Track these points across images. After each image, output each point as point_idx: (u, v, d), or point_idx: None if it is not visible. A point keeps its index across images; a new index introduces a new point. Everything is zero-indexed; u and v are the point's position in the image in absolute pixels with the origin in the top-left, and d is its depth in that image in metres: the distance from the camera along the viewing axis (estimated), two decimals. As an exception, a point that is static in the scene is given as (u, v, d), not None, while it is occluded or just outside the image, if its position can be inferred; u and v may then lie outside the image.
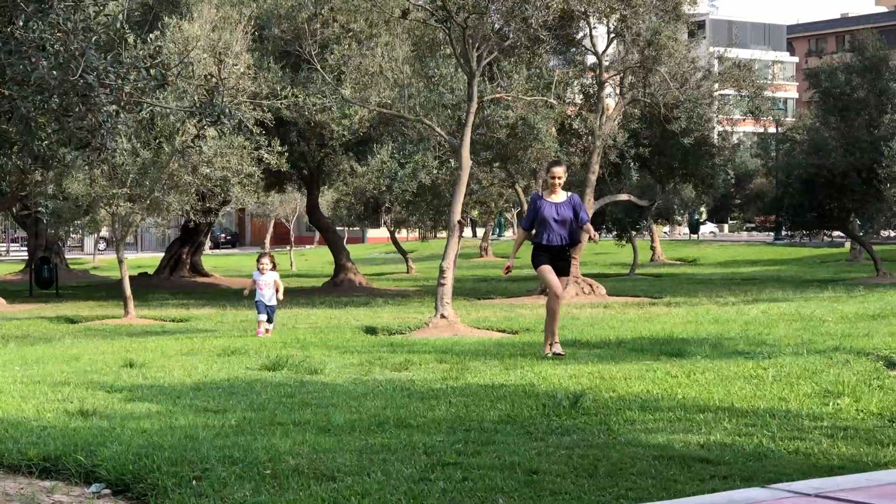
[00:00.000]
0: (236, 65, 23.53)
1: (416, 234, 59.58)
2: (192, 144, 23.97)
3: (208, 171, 25.06)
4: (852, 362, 12.35)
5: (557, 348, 14.02)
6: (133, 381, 12.50)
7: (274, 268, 19.37)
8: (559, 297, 14.01)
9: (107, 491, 7.28)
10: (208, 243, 66.21)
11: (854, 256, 47.69)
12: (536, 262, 14.05)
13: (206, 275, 45.01)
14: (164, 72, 7.61)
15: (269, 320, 18.83)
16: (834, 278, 36.21)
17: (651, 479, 7.03)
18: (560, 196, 14.01)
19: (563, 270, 14.10)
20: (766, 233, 73.56)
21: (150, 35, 8.58)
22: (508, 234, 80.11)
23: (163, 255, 48.07)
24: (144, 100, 8.25)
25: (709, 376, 11.46)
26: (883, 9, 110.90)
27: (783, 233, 59.49)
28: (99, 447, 7.93)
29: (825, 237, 43.03)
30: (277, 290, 19.07)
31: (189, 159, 24.76)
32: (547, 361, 13.51)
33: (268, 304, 18.85)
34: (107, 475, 7.37)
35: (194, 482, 7.02)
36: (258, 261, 19.46)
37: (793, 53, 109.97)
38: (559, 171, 14.02)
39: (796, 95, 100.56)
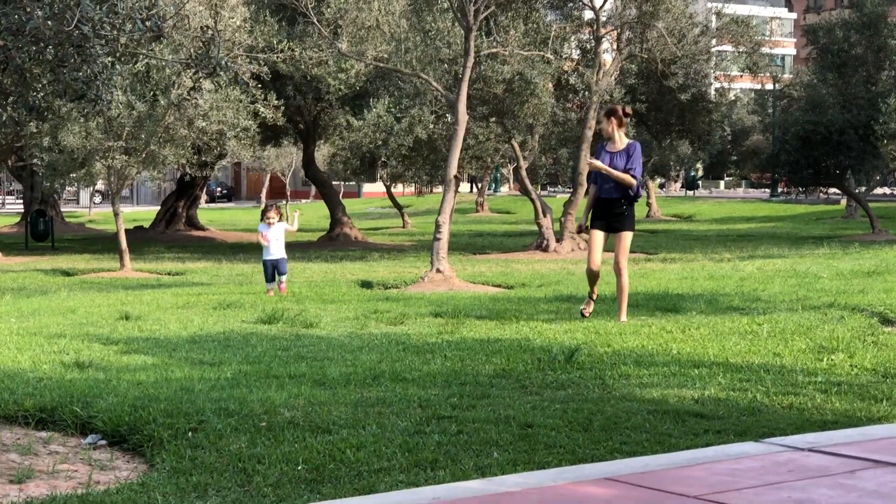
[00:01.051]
0: (232, 18, 23.40)
1: (413, 189, 59.55)
2: (187, 97, 23.89)
3: (204, 124, 24.98)
4: (847, 318, 12.38)
5: (587, 309, 13.07)
6: (129, 333, 12.52)
7: (280, 219, 18.69)
8: (593, 269, 12.83)
9: (103, 442, 7.30)
10: (204, 197, 66.10)
11: (850, 213, 47.69)
12: (591, 223, 12.83)
13: (201, 228, 44.97)
14: (159, 23, 7.57)
15: (282, 272, 18.09)
16: (829, 235, 36.23)
17: (645, 433, 7.05)
18: (619, 144, 12.64)
19: (618, 227, 12.65)
20: (762, 189, 73.52)
21: (146, -14, 8.52)
22: (504, 189, 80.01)
23: (158, 208, 47.99)
24: (140, 51, 8.21)
25: (704, 332, 11.49)
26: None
27: (779, 190, 59.52)
28: (95, 399, 7.95)
29: (821, 194, 43.05)
30: (291, 226, 18.95)
31: (185, 112, 24.68)
32: (542, 316, 13.53)
33: (276, 257, 18.08)
34: (103, 426, 7.40)
35: (190, 434, 7.05)
36: (265, 213, 18.67)
37: (791, 9, 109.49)
38: (612, 119, 12.73)
39: (794, 52, 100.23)
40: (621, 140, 12.62)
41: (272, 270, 18.05)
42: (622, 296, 12.74)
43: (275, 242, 18.12)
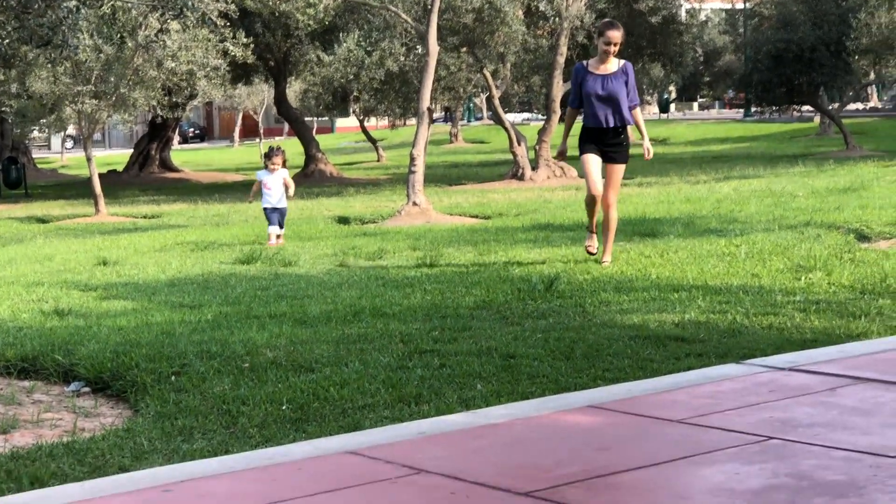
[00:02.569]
0: (197, -44, 23.15)
1: (386, 123, 59.27)
2: (155, 39, 23.68)
3: (173, 65, 24.79)
4: (823, 236, 12.44)
5: (592, 246, 11.61)
6: (107, 279, 12.49)
7: (284, 164, 16.84)
8: (594, 198, 11.41)
9: (86, 389, 7.30)
10: (177, 138, 65.73)
11: (823, 130, 47.71)
12: (581, 149, 11.48)
13: (175, 170, 44.78)
14: (123, -35, 7.49)
15: (281, 225, 16.46)
16: (804, 153, 36.29)
17: (627, 359, 7.09)
18: (610, 66, 11.24)
19: (614, 157, 11.40)
20: (736, 110, 73.46)
21: (108, -72, 8.43)
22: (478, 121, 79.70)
23: (131, 151, 47.75)
24: (105, -5, 8.13)
25: (682, 255, 11.53)
26: None
27: (753, 109, 59.50)
28: (76, 346, 7.94)
29: (794, 112, 43.06)
30: (287, 188, 16.61)
31: (153, 54, 24.48)
32: (521, 245, 13.54)
33: (277, 206, 16.34)
34: (85, 373, 7.40)
35: (173, 378, 7.06)
36: (268, 157, 16.72)
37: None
38: (616, 35, 11.19)
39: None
40: (611, 60, 11.28)
41: (276, 216, 16.34)
42: (609, 234, 11.52)
43: (276, 189, 16.41)
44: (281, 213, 16.39)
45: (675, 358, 7.08)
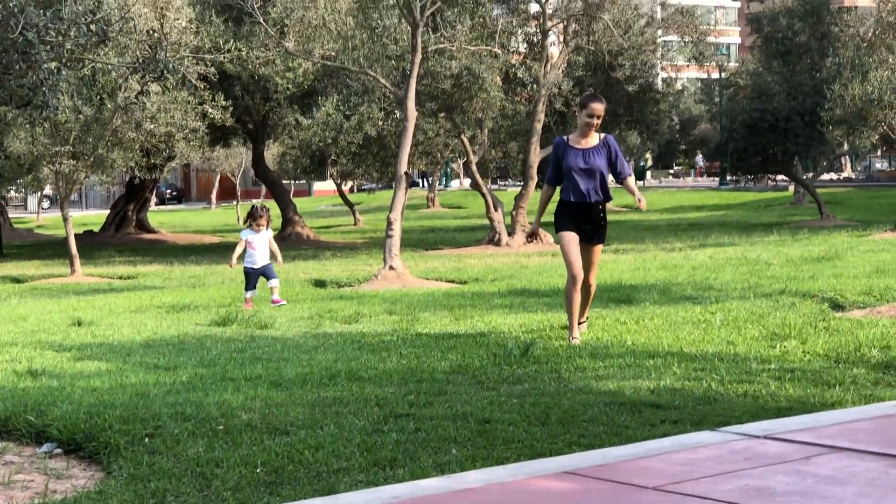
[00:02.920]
0: (178, 19, 23.27)
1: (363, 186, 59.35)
2: (135, 100, 23.74)
3: (152, 126, 24.84)
4: (798, 305, 12.49)
5: (576, 338, 10.64)
6: (82, 339, 12.43)
7: (268, 224, 16.48)
8: (576, 280, 10.64)
9: (59, 450, 7.25)
10: (154, 199, 65.70)
11: (798, 200, 48.03)
12: (558, 225, 10.84)
13: (152, 231, 44.71)
14: (104, 27, 7.53)
15: (271, 276, 16.04)
16: (779, 222, 36.49)
17: (602, 425, 7.09)
18: (591, 140, 10.75)
19: (593, 236, 10.82)
20: (712, 178, 73.95)
21: (90, -10, 8.46)
22: (455, 184, 79.99)
23: (108, 212, 47.68)
24: (86, 56, 8.17)
25: (657, 322, 11.56)
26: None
27: (728, 178, 59.90)
28: (49, 407, 7.89)
29: (769, 181, 43.33)
30: (275, 255, 16.34)
31: (132, 115, 24.53)
32: (497, 311, 13.55)
33: (259, 266, 15.99)
34: (58, 435, 7.35)
35: (147, 440, 7.02)
36: (253, 217, 16.20)
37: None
38: (599, 108, 10.69)
39: (739, 40, 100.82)
40: (592, 134, 10.80)
41: (256, 279, 16.12)
42: (588, 301, 11.13)
43: (261, 250, 16.09)
44: (268, 269, 16.06)
45: (650, 424, 7.08)
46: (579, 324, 10.88)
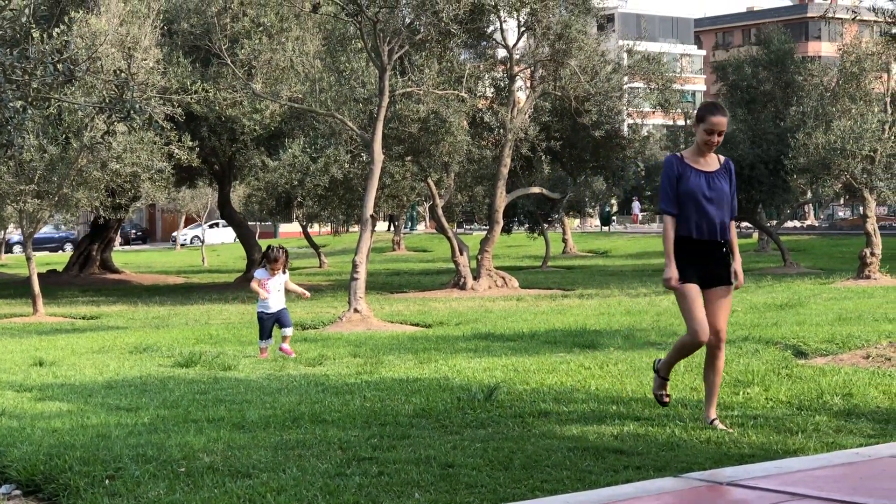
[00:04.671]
0: (145, 59, 23.28)
1: (329, 229, 59.25)
2: (101, 140, 23.69)
3: (118, 166, 24.78)
4: (761, 352, 12.53)
5: (667, 395, 8.91)
6: (43, 379, 12.34)
7: (286, 267, 14.96)
8: (702, 343, 8.38)
9: (17, 492, 7.18)
10: (118, 239, 65.46)
11: (762, 247, 48.32)
12: (678, 272, 8.37)
13: (116, 271, 44.51)
14: (71, 67, 7.52)
15: (286, 324, 14.73)
16: (743, 269, 36.62)
17: (566, 470, 7.07)
18: (712, 161, 8.55)
19: (721, 278, 8.51)
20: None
21: (57, 30, 8.47)
22: (420, 227, 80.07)
23: (72, 251, 47.41)
24: (52, 95, 8.15)
25: (621, 367, 11.56)
26: (788, 2, 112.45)
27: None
28: (8, 448, 7.82)
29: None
30: (298, 293, 15.42)
31: (98, 155, 24.47)
32: (461, 355, 13.53)
33: (277, 309, 14.65)
34: (17, 476, 7.28)
35: (107, 482, 6.96)
36: (269, 259, 14.69)
37: (700, 46, 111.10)
38: (721, 122, 8.40)
39: (704, 88, 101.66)
40: (712, 154, 8.63)
41: (272, 325, 14.72)
42: (716, 383, 8.61)
43: (276, 294, 14.69)
44: (283, 314, 14.72)
45: (613, 470, 7.07)
46: (711, 422, 8.47)
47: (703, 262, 8.42)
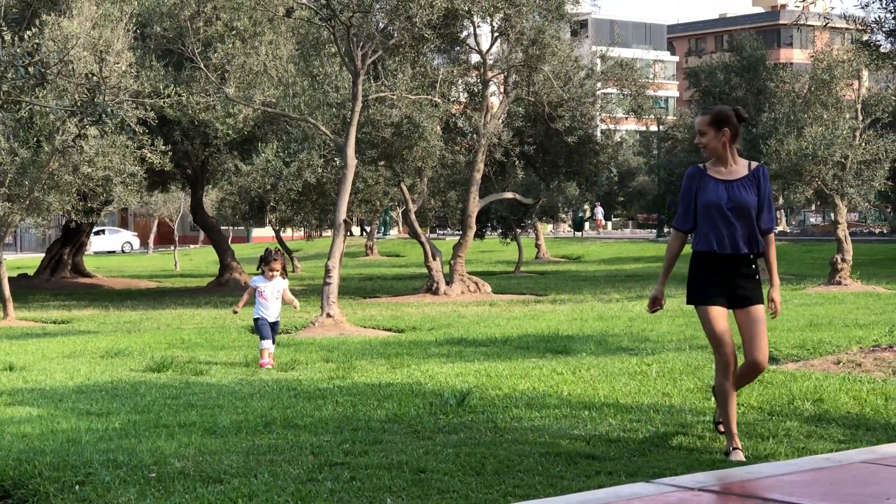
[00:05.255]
0: (118, 63, 23.17)
1: (302, 233, 59.16)
2: (72, 144, 23.58)
3: (90, 170, 24.65)
4: (733, 357, 12.55)
5: (737, 451, 7.66)
6: (13, 384, 12.27)
7: (284, 272, 14.37)
8: (723, 352, 7.79)
9: (-13, 497, 7.14)
10: (90, 243, 65.20)
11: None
12: (698, 292, 7.93)
13: (88, 275, 44.30)
14: (43, 70, 7.49)
15: (274, 338, 14.10)
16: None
17: (538, 476, 7.08)
18: (737, 169, 7.93)
19: (746, 297, 7.87)
20: (649, 230, 74.52)
21: (28, 33, 8.43)
22: (393, 232, 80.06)
23: (43, 255, 47.20)
24: (23, 98, 8.11)
25: (594, 373, 11.58)
26: (760, 9, 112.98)
27: (665, 230, 60.42)
28: (-22, 453, 7.77)
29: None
30: (292, 303, 14.39)
31: (70, 159, 24.35)
32: (434, 360, 13.52)
33: (273, 320, 13.97)
34: (-13, 481, 7.23)
35: (77, 487, 6.92)
36: (265, 262, 14.12)
37: (673, 53, 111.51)
38: (701, 121, 8.01)
39: (677, 94, 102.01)
40: (736, 160, 8.00)
41: (269, 330, 13.94)
42: (729, 412, 7.81)
43: (274, 301, 14.02)
44: (276, 326, 14.10)
45: (585, 475, 7.08)
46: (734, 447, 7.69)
47: (728, 278, 7.80)
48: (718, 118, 7.90)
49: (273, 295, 13.98)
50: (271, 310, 13.95)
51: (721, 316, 7.75)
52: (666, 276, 8.12)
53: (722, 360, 7.75)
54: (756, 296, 7.84)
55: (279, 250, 14.63)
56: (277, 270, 14.03)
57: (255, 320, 14.00)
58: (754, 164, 7.99)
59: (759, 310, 7.77)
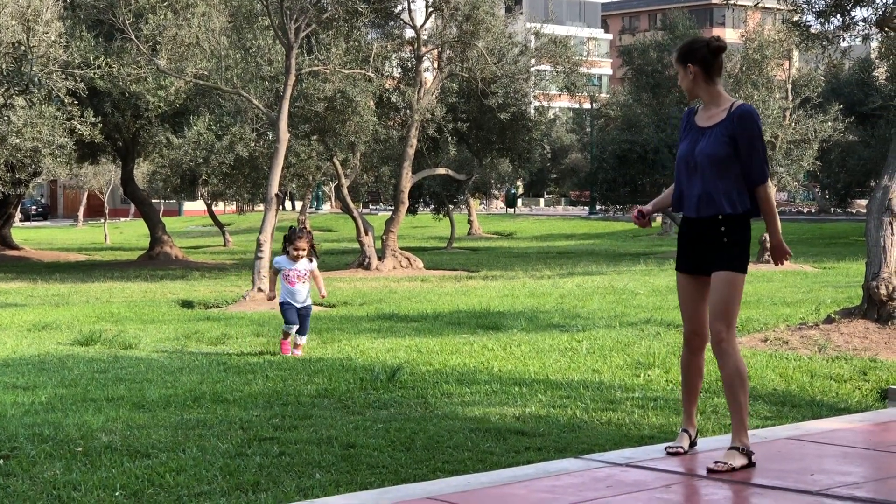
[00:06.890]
0: (47, 33, 22.88)
1: (234, 207, 58.85)
2: None
3: (17, 141, 24.35)
4: (663, 334, 12.66)
5: (680, 446, 6.53)
6: (-62, 357, 12.11)
7: (312, 252, 12.52)
8: (689, 342, 6.74)
9: None
10: (18, 215, 64.44)
11: (665, 230, 48.80)
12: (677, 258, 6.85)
13: (15, 248, 43.79)
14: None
15: (302, 331, 12.26)
16: (646, 252, 37.02)
17: (467, 451, 7.10)
18: (716, 112, 6.72)
19: (710, 264, 6.59)
20: (581, 207, 74.82)
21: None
22: (326, 206, 79.80)
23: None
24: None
25: (525, 349, 11.62)
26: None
27: (597, 207, 60.72)
28: None
29: (638, 211, 43.99)
30: (319, 287, 12.56)
31: (-3, 129, 24.04)
32: (365, 335, 13.51)
33: (301, 305, 12.26)
34: None
35: (2, 461, 6.85)
36: (290, 241, 12.38)
37: (607, 31, 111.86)
38: (690, 64, 6.82)
39: (610, 72, 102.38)
40: (719, 101, 6.77)
41: (296, 315, 12.22)
42: (739, 402, 6.43)
43: (300, 285, 12.30)
44: (307, 312, 12.36)
45: (514, 451, 7.11)
46: (714, 465, 6.18)
47: (692, 243, 6.67)
48: (683, 52, 6.82)
49: (299, 278, 12.27)
50: (298, 294, 12.24)
51: (685, 286, 6.69)
52: (658, 202, 7.07)
53: (684, 334, 6.78)
54: (720, 262, 6.52)
55: (304, 227, 13.15)
56: (303, 249, 12.29)
57: (281, 304, 12.32)
58: (738, 103, 6.70)
59: (718, 277, 6.52)
